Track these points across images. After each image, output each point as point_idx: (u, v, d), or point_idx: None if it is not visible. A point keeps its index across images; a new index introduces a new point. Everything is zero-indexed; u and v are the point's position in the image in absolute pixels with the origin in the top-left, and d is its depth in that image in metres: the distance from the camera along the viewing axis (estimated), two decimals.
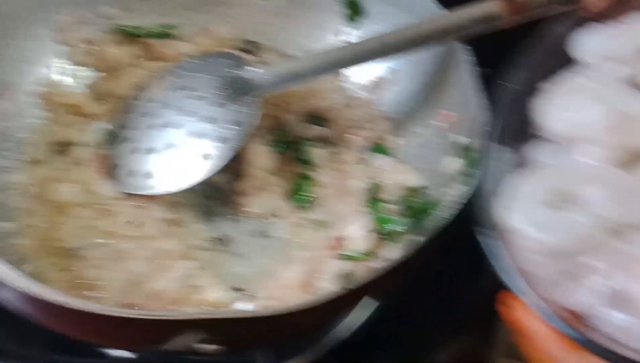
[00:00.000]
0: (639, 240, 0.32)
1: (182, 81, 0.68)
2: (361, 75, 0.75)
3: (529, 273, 0.34)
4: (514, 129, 0.38)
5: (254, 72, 0.65)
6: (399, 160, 0.70)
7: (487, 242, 0.35)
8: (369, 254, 0.60)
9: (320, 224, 0.65)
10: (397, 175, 0.68)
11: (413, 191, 0.66)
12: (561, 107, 0.35)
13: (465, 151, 0.61)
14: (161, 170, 0.65)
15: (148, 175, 0.65)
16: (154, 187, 0.65)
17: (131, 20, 0.76)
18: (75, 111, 0.72)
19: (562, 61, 0.38)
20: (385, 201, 0.65)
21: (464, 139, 0.62)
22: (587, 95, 0.35)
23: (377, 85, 0.75)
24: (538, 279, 0.33)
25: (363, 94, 0.75)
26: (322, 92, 0.75)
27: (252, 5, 0.78)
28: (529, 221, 0.34)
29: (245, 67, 0.66)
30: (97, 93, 0.73)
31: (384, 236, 0.62)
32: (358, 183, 0.67)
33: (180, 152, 0.65)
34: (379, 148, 0.71)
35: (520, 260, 0.34)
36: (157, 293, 0.60)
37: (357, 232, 0.61)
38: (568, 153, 0.35)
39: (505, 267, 0.33)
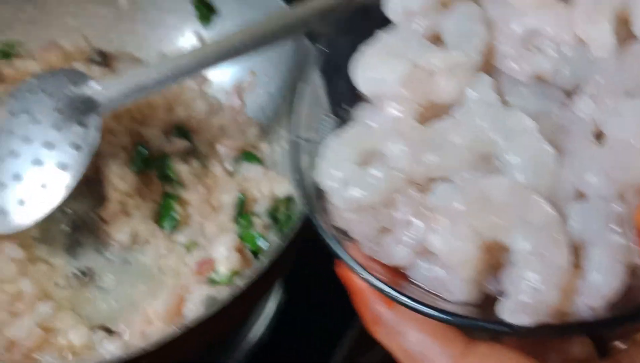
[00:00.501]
0: (436, 190, 0.33)
1: (22, 104, 0.62)
2: (223, 79, 0.72)
3: (349, 233, 0.35)
4: (341, 93, 0.39)
5: (94, 88, 0.60)
6: (268, 168, 0.67)
7: (305, 205, 0.35)
8: (234, 274, 0.57)
9: (189, 246, 0.62)
10: (266, 184, 0.65)
11: (282, 201, 0.63)
12: (367, 66, 0.36)
13: None
14: (12, 205, 0.60)
15: (1, 212, 0.60)
16: (9, 224, 0.60)
17: None
18: None
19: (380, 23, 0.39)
20: (253, 214, 0.63)
21: None
22: (388, 52, 0.36)
23: (240, 89, 0.72)
24: (359, 238, 0.34)
25: (227, 100, 0.72)
26: (184, 101, 0.72)
27: (96, 13, 0.73)
28: (337, 179, 0.34)
29: (88, 83, 0.61)
30: None
31: (252, 253, 0.59)
32: (226, 197, 0.64)
33: (27, 183, 0.60)
34: (248, 156, 0.68)
35: (339, 221, 0.35)
36: (14, 342, 0.56)
37: (223, 253, 0.58)
38: (377, 112, 0.36)
39: (322, 230, 0.34)
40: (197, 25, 0.73)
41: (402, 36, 0.37)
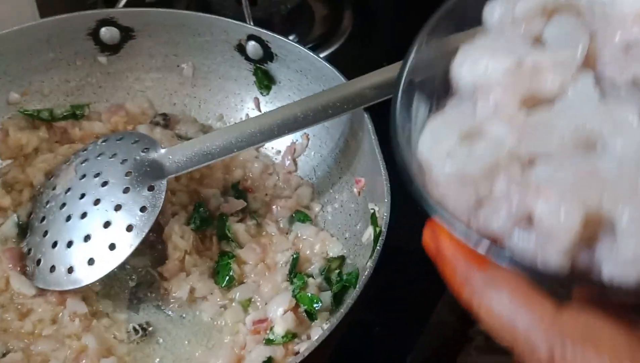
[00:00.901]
0: (543, 165, 0.35)
1: (93, 166, 0.66)
2: (278, 141, 0.75)
3: (447, 205, 0.36)
4: (436, 85, 0.41)
5: (160, 154, 0.64)
6: (320, 228, 0.69)
7: (407, 179, 0.37)
8: (291, 335, 0.59)
9: (245, 304, 0.64)
10: (319, 244, 0.67)
11: (334, 260, 0.65)
12: (474, 60, 0.39)
13: (372, 218, 0.62)
14: (81, 262, 0.63)
15: (70, 269, 0.63)
16: (77, 281, 0.63)
17: (38, 104, 0.74)
18: None
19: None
20: (307, 275, 0.65)
21: (372, 206, 0.63)
22: (494, 48, 0.40)
23: (294, 151, 0.75)
24: (456, 211, 0.36)
25: (281, 161, 0.75)
26: (240, 162, 0.75)
27: (160, 79, 0.77)
28: (440, 152, 0.37)
29: (157, 149, 0.65)
30: (5, 183, 0.71)
31: (307, 314, 0.61)
32: (281, 256, 0.67)
33: (96, 243, 0.63)
34: (300, 216, 0.70)
35: (438, 194, 0.36)
36: None
37: (278, 313, 0.60)
38: (477, 102, 0.39)
39: (426, 197, 0.36)
40: (256, 92, 0.76)
41: (506, 37, 0.40)
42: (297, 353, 0.58)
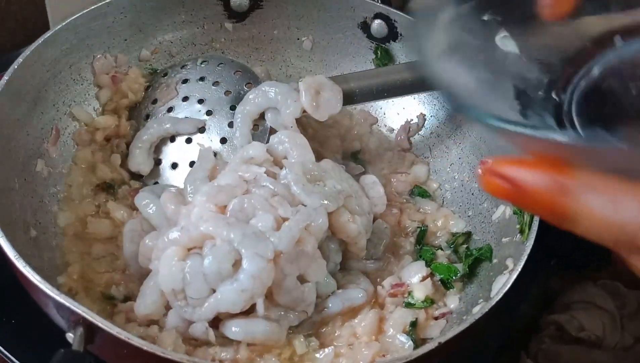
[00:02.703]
0: None
1: (192, 88, 0.70)
2: (393, 120, 0.78)
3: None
4: None
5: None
6: (439, 204, 0.71)
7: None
8: (430, 301, 0.61)
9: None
10: (441, 220, 0.69)
11: (460, 236, 0.68)
12: None
13: None
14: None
15: None
16: None
17: (165, 64, 0.76)
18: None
19: None
20: (435, 247, 0.67)
21: None
22: None
23: (408, 130, 0.77)
24: None
25: (396, 139, 0.77)
26: (357, 135, 0.77)
27: (279, 49, 0.79)
28: None
29: (255, 83, 0.70)
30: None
31: (442, 283, 0.63)
32: (410, 223, 0.69)
33: None
34: (420, 191, 0.72)
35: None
36: None
37: (415, 279, 0.62)
38: None
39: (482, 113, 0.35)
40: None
41: None
42: (437, 318, 0.60)
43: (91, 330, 0.44)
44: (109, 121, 0.70)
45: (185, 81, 0.70)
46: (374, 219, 0.65)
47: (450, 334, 0.50)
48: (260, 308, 0.53)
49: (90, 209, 0.66)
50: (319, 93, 0.65)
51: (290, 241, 0.53)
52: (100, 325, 0.43)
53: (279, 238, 0.53)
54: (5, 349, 0.59)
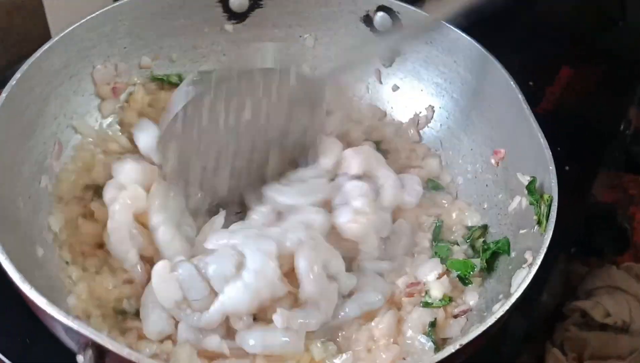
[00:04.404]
0: None
1: None
2: (402, 112, 0.76)
3: None
4: None
5: None
6: (454, 197, 0.70)
7: None
8: (448, 299, 0.59)
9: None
10: (455, 212, 0.68)
11: (476, 229, 0.66)
12: None
13: (530, 188, 0.62)
14: None
15: None
16: None
17: (166, 70, 0.74)
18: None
19: None
20: (451, 242, 0.66)
21: (523, 176, 0.63)
22: None
23: (417, 122, 0.75)
24: None
25: (405, 132, 0.75)
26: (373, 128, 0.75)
27: (282, 48, 0.77)
28: None
29: None
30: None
31: (460, 279, 0.62)
32: (426, 219, 0.67)
33: None
34: (433, 185, 0.71)
35: None
36: None
37: (430, 277, 0.61)
38: None
39: None
40: (377, 64, 0.77)
41: None
42: (456, 316, 0.58)
43: (101, 351, 0.43)
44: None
45: None
46: (394, 220, 0.64)
47: (471, 335, 0.48)
48: (278, 320, 0.52)
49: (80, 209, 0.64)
50: None
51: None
52: (109, 347, 0.42)
53: None
54: None
